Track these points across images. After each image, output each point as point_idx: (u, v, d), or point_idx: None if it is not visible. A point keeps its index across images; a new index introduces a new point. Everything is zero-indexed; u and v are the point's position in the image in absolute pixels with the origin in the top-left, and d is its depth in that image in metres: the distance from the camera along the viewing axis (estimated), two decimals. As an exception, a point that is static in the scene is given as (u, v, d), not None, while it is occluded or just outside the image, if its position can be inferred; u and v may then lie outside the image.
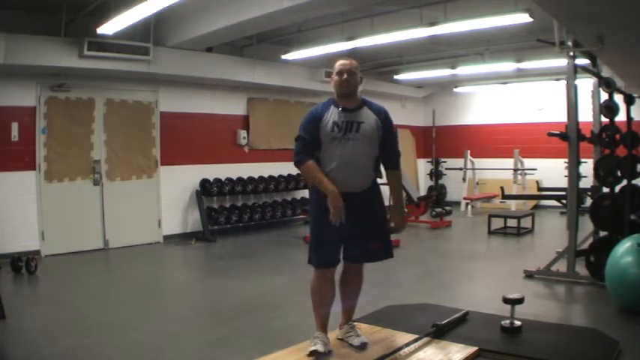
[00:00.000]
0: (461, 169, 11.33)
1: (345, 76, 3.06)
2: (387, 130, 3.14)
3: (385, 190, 3.22)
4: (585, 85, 5.79)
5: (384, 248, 3.19)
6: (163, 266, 6.79)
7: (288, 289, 5.00)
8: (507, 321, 3.49)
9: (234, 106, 8.86)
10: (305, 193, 9.11)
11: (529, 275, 5.25)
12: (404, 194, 10.19)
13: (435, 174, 12.37)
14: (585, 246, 5.21)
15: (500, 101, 11.82)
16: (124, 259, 6.82)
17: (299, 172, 3.20)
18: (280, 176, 9.01)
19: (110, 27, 5.97)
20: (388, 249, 3.22)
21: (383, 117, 3.14)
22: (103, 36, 6.28)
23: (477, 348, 3.17)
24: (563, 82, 5.40)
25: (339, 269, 3.18)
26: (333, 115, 3.04)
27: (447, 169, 12.27)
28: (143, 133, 7.72)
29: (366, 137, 3.04)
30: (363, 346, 3.13)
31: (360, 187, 3.06)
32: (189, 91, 8.13)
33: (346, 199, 2.96)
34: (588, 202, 6.76)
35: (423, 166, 13.00)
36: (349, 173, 3.00)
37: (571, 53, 5.02)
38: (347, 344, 3.17)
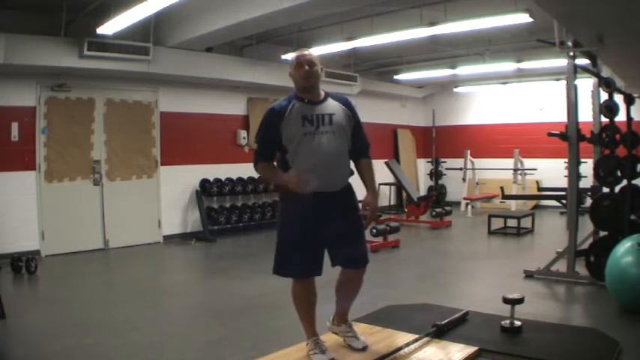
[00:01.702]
0: (461, 169, 11.34)
1: (307, 67, 2.85)
2: (356, 120, 2.99)
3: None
4: (585, 85, 5.78)
5: (365, 252, 3.04)
6: (163, 266, 6.79)
7: (288, 289, 4.96)
8: (507, 321, 3.48)
9: (234, 106, 8.87)
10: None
11: (529, 275, 5.25)
12: (404, 194, 10.23)
13: (435, 174, 12.38)
14: (585, 246, 5.21)
15: (500, 101, 11.83)
16: (124, 259, 6.82)
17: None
18: (280, 176, 9.00)
19: (110, 27, 5.97)
20: (367, 253, 3.05)
21: (350, 106, 3.00)
22: (103, 36, 6.28)
23: (476, 348, 3.17)
24: (563, 82, 5.39)
25: (333, 274, 3.08)
26: (300, 109, 2.84)
27: (447, 169, 12.28)
28: (143, 133, 7.72)
29: (340, 129, 2.88)
30: (364, 349, 3.10)
31: (338, 184, 2.90)
32: (189, 91, 8.14)
33: (323, 201, 2.82)
34: (588, 202, 6.76)
35: (423, 166, 13.00)
36: (328, 170, 2.82)
37: (571, 53, 5.02)
38: (345, 343, 3.16)
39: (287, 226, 2.95)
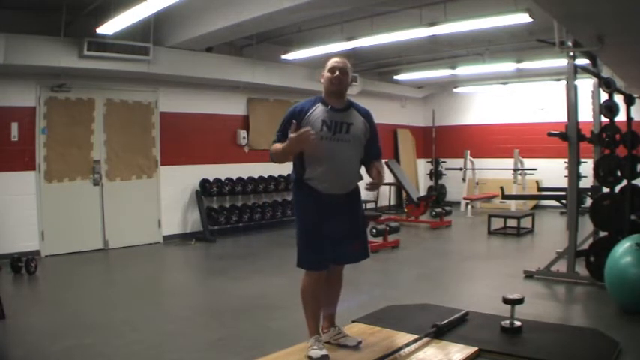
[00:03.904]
0: (461, 169, 11.34)
1: (338, 73, 3.00)
2: (372, 132, 3.13)
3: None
4: (585, 85, 5.79)
5: (364, 248, 3.21)
6: (163, 266, 6.79)
7: (288, 289, 4.99)
8: (507, 321, 3.49)
9: (234, 106, 8.87)
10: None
11: (529, 275, 5.25)
12: (404, 194, 10.23)
13: (435, 174, 12.38)
14: (585, 246, 5.21)
15: (500, 101, 11.83)
16: (124, 259, 6.82)
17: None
18: (280, 176, 9.01)
19: (110, 27, 5.97)
20: (366, 249, 3.23)
21: (369, 118, 3.13)
22: (103, 36, 6.29)
23: (476, 348, 3.17)
24: (563, 82, 5.39)
25: None
26: (321, 113, 2.97)
27: (446, 169, 12.29)
28: (143, 133, 7.71)
29: (356, 139, 3.02)
30: (359, 345, 3.14)
31: (347, 188, 3.05)
32: (189, 91, 8.13)
33: (332, 201, 2.97)
34: (588, 202, 6.76)
35: (423, 166, 13.00)
36: (339, 176, 2.98)
37: (571, 53, 5.02)
38: (339, 346, 3.17)
39: (303, 221, 3.06)
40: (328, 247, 3.00)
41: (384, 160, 9.67)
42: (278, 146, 2.94)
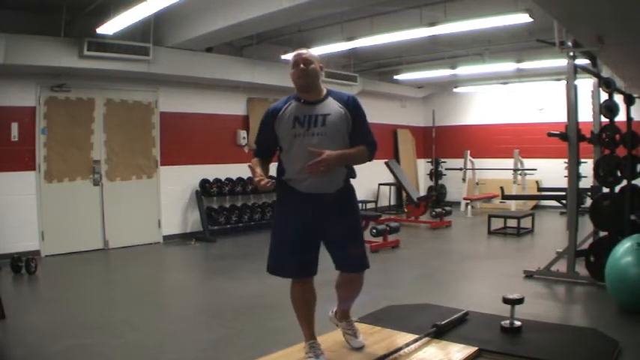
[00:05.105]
0: (461, 169, 11.34)
1: (302, 66, 2.79)
2: (356, 119, 2.81)
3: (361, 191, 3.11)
4: (585, 85, 5.79)
5: (361, 257, 2.94)
6: (163, 266, 6.79)
7: (288, 289, 4.98)
8: (507, 321, 3.48)
9: (234, 106, 8.87)
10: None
11: (529, 275, 5.25)
12: (404, 194, 10.22)
13: (435, 174, 12.38)
14: (585, 246, 5.21)
15: (500, 101, 11.83)
16: (123, 259, 6.81)
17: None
18: (280, 176, 9.01)
19: (110, 27, 5.97)
20: (364, 258, 2.95)
21: (351, 105, 2.82)
22: (103, 36, 6.29)
23: (476, 348, 3.17)
24: (563, 82, 5.40)
25: (333, 274, 3.04)
26: (294, 109, 2.79)
27: (446, 169, 12.29)
28: (143, 133, 7.71)
29: (334, 131, 2.75)
30: (360, 349, 3.12)
31: (332, 187, 2.80)
32: (189, 91, 8.14)
33: (318, 202, 2.77)
34: (588, 202, 6.76)
35: (423, 166, 13.00)
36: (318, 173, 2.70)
37: (571, 53, 5.02)
38: (343, 343, 3.17)
39: (279, 226, 2.95)
40: (312, 253, 2.85)
41: (384, 160, 9.73)
42: (253, 167, 2.79)
